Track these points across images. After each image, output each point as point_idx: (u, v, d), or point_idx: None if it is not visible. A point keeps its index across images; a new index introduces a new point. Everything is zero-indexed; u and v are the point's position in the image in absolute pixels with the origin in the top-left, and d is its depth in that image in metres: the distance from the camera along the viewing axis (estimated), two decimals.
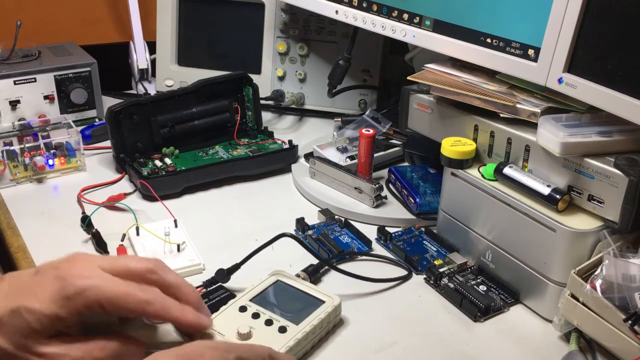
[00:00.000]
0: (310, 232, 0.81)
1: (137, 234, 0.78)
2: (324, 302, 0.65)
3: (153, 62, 1.21)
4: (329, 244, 0.78)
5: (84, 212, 0.84)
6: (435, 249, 0.78)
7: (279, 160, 0.97)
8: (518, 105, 0.69)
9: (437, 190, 0.82)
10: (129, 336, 0.56)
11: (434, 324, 0.67)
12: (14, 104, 1.02)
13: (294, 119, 1.16)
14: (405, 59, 1.08)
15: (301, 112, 1.17)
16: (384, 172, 0.93)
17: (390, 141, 0.98)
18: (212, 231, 0.82)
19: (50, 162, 0.93)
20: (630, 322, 0.56)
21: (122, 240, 0.77)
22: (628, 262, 0.59)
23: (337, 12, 0.91)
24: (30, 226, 0.81)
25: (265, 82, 1.14)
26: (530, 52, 0.68)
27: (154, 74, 1.20)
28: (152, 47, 1.19)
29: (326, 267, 0.74)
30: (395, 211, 0.85)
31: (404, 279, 0.74)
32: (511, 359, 0.63)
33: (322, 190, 0.90)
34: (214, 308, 0.64)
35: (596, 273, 0.60)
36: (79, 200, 0.87)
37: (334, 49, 1.11)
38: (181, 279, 0.58)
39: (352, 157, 0.94)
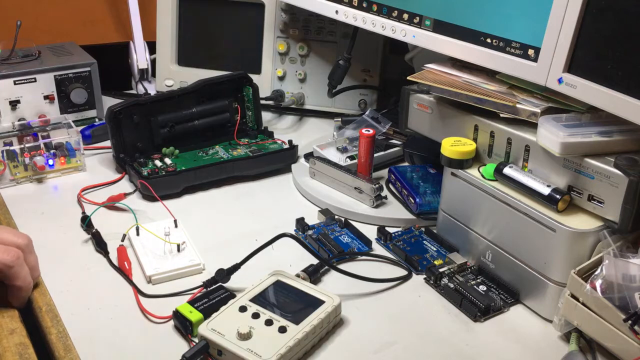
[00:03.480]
0: (310, 232, 0.81)
1: (137, 234, 0.78)
2: (324, 302, 0.65)
3: (153, 62, 1.21)
4: (329, 244, 0.78)
5: (84, 212, 0.84)
6: (435, 249, 0.78)
7: (279, 160, 0.97)
8: (518, 105, 0.69)
9: (437, 190, 0.82)
10: None
11: (434, 324, 0.67)
12: (14, 104, 1.02)
13: (294, 119, 1.16)
14: (405, 59, 1.08)
15: (301, 112, 1.17)
16: (384, 172, 0.93)
17: (390, 141, 0.98)
18: (212, 231, 0.82)
19: (50, 162, 0.93)
20: (630, 322, 0.56)
21: (122, 240, 0.77)
22: (628, 262, 0.59)
23: (337, 12, 0.91)
24: (30, 226, 0.81)
25: (265, 82, 1.14)
26: (530, 52, 0.68)
27: (154, 74, 1.20)
28: (152, 47, 1.19)
29: (326, 267, 0.74)
30: (395, 211, 0.85)
31: (404, 279, 0.74)
32: (511, 359, 0.63)
33: (322, 190, 0.90)
34: (214, 308, 0.65)
35: (596, 273, 0.60)
36: (79, 200, 0.87)
37: (334, 49, 1.11)
38: (36, 263, 0.69)
39: (352, 157, 0.94)
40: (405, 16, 0.82)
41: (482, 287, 0.71)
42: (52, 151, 0.94)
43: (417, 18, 0.81)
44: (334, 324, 0.66)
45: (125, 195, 0.87)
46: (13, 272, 0.64)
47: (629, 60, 0.58)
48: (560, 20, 0.64)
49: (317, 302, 0.65)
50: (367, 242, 0.79)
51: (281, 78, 1.15)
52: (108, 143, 0.97)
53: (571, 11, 0.62)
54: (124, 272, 0.73)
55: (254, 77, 1.03)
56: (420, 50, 1.01)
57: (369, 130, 0.87)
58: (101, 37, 1.29)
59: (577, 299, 0.61)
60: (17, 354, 0.60)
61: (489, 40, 0.72)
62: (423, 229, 0.82)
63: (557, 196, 0.65)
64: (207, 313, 0.64)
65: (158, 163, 0.93)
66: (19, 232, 0.69)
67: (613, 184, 0.61)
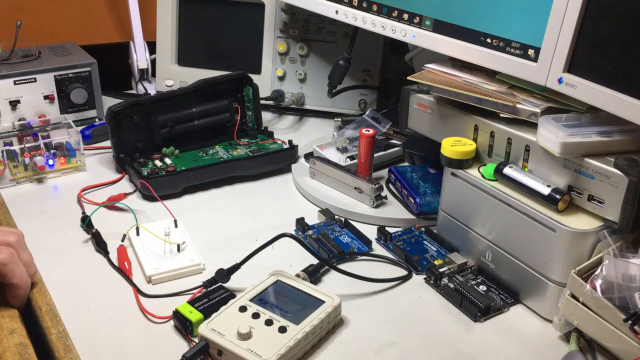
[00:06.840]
0: (310, 232, 0.81)
1: (137, 234, 0.78)
2: (324, 302, 0.65)
3: (153, 62, 1.21)
4: (329, 244, 0.78)
5: (84, 212, 0.84)
6: (435, 249, 0.78)
7: (279, 160, 0.97)
8: (518, 105, 0.69)
9: (437, 190, 0.82)
10: None
11: (434, 324, 0.67)
12: (14, 104, 1.02)
13: (294, 119, 1.16)
14: (405, 59, 1.08)
15: (301, 112, 1.17)
16: (384, 172, 0.93)
17: (390, 141, 0.98)
18: (212, 231, 0.82)
19: (50, 162, 0.93)
20: (630, 322, 0.56)
21: (122, 240, 0.77)
22: (628, 262, 0.59)
23: (337, 12, 0.91)
24: (30, 226, 0.81)
25: (265, 82, 1.14)
26: (530, 52, 0.68)
27: (154, 74, 1.20)
28: (152, 47, 1.20)
29: (326, 267, 0.74)
30: (395, 211, 0.85)
31: (404, 279, 0.74)
32: (511, 359, 0.63)
33: (322, 190, 0.90)
34: (214, 308, 0.65)
35: (596, 273, 0.60)
36: (79, 200, 0.87)
37: (334, 49, 1.11)
38: (30, 260, 0.68)
39: (352, 157, 0.94)
40: (405, 16, 0.82)
41: (482, 287, 0.71)
42: (52, 151, 0.94)
43: (417, 18, 0.81)
44: (334, 324, 0.66)
45: (125, 195, 0.87)
46: (8, 270, 0.64)
47: (629, 60, 0.58)
48: (560, 20, 0.64)
49: (317, 302, 0.65)
50: (367, 242, 0.79)
51: (281, 78, 1.15)
52: (108, 143, 0.98)
53: (571, 11, 0.62)
54: (124, 272, 0.73)
55: (254, 77, 1.03)
56: (420, 50, 1.01)
57: (369, 130, 0.87)
58: (101, 37, 1.29)
59: (577, 299, 0.61)
60: (17, 354, 0.60)
61: (489, 40, 0.72)
62: (423, 229, 0.82)
63: (557, 196, 0.65)
64: (207, 313, 0.64)
65: (158, 163, 0.93)
66: (8, 229, 0.68)
67: (613, 184, 0.61)
